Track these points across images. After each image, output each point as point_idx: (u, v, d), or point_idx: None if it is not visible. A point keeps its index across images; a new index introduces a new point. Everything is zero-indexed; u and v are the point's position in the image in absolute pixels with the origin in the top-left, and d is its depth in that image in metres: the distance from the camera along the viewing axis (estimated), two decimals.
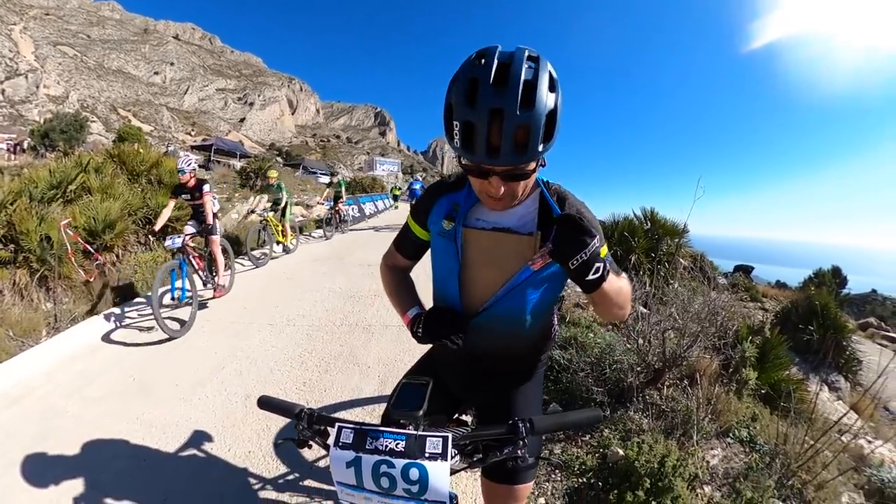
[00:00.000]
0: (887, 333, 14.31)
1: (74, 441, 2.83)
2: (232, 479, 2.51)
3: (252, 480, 2.50)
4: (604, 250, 1.17)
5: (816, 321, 7.14)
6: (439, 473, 0.90)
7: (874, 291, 28.72)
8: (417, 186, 18.14)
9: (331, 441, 0.98)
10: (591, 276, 1.02)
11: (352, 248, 11.03)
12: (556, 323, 1.51)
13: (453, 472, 1.01)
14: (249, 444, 2.79)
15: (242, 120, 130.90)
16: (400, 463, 0.91)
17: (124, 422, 3.06)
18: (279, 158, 62.11)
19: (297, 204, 17.12)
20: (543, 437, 3.09)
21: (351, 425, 0.99)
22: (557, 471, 2.66)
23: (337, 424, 1.00)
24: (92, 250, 6.00)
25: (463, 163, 1.07)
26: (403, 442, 0.93)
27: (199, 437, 2.88)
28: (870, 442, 4.54)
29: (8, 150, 25.72)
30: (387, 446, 0.93)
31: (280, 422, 2.93)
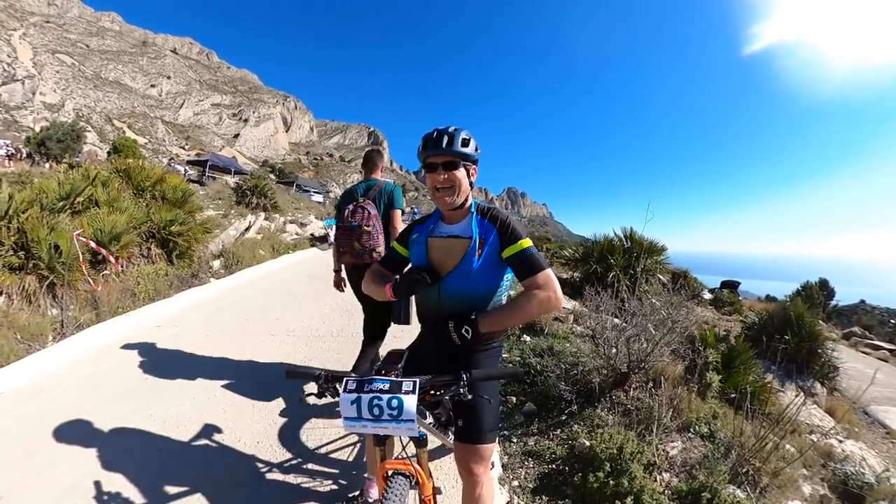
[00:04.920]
0: (871, 342, 14.64)
1: (93, 434, 3.07)
2: (242, 464, 2.82)
3: (260, 465, 2.80)
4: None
5: (791, 330, 7.47)
6: (410, 402, 1.39)
7: (863, 302, 29.00)
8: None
9: (341, 389, 1.46)
10: (469, 336, 1.71)
11: None
12: None
13: (422, 410, 1.57)
14: (258, 436, 3.10)
15: (237, 136, 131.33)
16: (385, 397, 1.40)
17: (139, 418, 3.30)
18: (272, 175, 62.40)
19: (291, 222, 17.29)
20: (502, 412, 3.55)
21: (354, 377, 1.49)
22: (530, 458, 2.99)
23: (345, 378, 1.50)
24: (111, 258, 6.28)
25: (425, 162, 1.82)
26: (388, 384, 1.43)
27: (210, 430, 3.16)
28: (840, 441, 4.88)
29: (7, 155, 25.48)
30: (378, 388, 1.43)
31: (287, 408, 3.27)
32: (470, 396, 1.48)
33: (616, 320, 4.16)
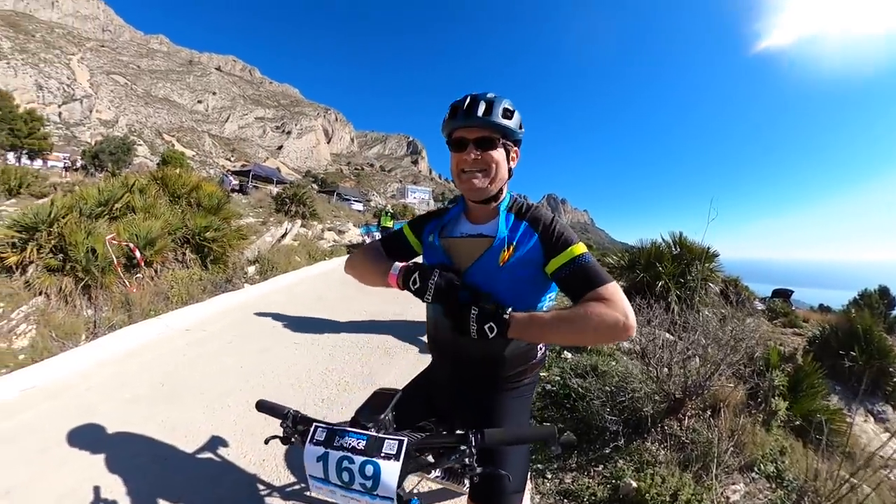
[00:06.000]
0: None
1: (103, 437, 3.02)
2: (243, 483, 2.61)
3: (261, 487, 2.57)
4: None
5: (858, 346, 6.69)
6: (391, 472, 0.99)
7: None
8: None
9: (307, 438, 1.09)
10: (491, 336, 1.22)
11: None
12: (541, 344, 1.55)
13: (427, 464, 1.09)
14: (263, 454, 2.88)
15: (280, 147, 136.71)
16: (358, 460, 1.01)
17: (150, 423, 3.21)
18: (314, 185, 64.55)
19: (329, 229, 17.42)
20: (531, 463, 3.01)
21: (324, 425, 1.10)
22: (566, 499, 2.61)
23: (314, 424, 1.12)
24: (138, 255, 6.32)
25: (452, 138, 1.40)
26: (364, 442, 1.04)
27: (216, 443, 2.99)
28: None
29: (64, 167, 27.83)
30: (350, 444, 1.04)
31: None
32: (480, 469, 1.07)
33: (669, 335, 3.70)
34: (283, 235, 13.17)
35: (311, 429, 1.11)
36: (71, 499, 2.41)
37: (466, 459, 1.05)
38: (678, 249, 7.56)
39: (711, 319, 3.97)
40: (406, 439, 1.04)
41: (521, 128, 1.41)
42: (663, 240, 8.05)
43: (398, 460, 1.00)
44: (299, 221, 15.46)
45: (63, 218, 5.93)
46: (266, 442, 1.28)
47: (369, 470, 1.00)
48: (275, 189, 30.34)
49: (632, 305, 1.24)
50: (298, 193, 17.56)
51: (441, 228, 1.56)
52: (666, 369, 3.35)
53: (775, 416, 3.57)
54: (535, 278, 1.39)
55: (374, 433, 1.07)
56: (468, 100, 1.36)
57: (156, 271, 6.97)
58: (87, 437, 2.99)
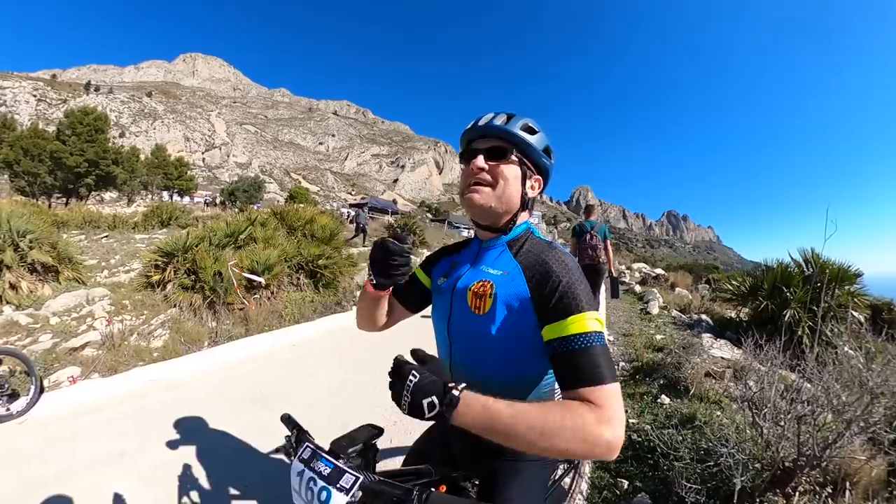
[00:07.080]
0: None
1: (201, 426, 3.54)
2: None
3: None
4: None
5: None
6: (339, 503, 1.01)
7: None
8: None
9: (297, 453, 1.15)
10: (428, 415, 0.94)
11: None
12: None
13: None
14: None
15: (396, 181, 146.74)
16: (319, 484, 1.05)
17: (242, 422, 3.62)
18: (428, 214, 68.33)
19: None
20: (604, 499, 2.77)
21: (312, 446, 1.15)
22: None
23: (305, 443, 1.17)
24: (256, 277, 7.10)
25: (466, 149, 1.28)
26: (330, 469, 1.07)
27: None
28: None
29: (205, 202, 32.93)
30: (319, 469, 1.08)
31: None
32: None
33: (793, 376, 3.00)
34: None
35: (303, 446, 1.17)
36: (165, 468, 2.92)
37: None
38: (811, 269, 6.45)
39: (853, 358, 3.16)
40: (362, 477, 1.03)
41: (548, 154, 1.26)
42: (792, 258, 6.91)
43: (347, 494, 1.00)
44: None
45: (196, 246, 7.05)
46: (276, 451, 1.36)
47: (323, 496, 1.03)
48: (389, 219, 32.71)
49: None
50: (409, 223, 18.70)
51: (451, 267, 1.37)
52: (779, 427, 2.67)
53: None
54: (531, 340, 1.12)
55: (342, 464, 1.08)
56: (489, 115, 1.28)
57: (272, 293, 7.74)
58: (188, 424, 3.54)
